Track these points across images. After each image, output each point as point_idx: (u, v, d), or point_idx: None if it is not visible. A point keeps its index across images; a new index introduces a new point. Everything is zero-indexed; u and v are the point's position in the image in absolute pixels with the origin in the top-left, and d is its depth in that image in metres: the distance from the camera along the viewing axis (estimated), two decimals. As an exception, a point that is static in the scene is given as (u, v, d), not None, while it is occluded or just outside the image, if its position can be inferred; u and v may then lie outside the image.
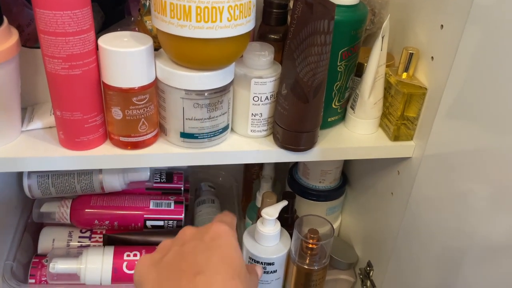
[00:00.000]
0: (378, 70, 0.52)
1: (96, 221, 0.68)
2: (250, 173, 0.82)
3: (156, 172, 0.75)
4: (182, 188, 0.75)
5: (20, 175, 0.66)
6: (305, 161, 0.70)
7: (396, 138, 0.54)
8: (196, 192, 0.83)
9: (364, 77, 0.52)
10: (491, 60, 0.41)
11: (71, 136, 0.47)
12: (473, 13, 0.43)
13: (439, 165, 0.51)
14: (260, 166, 0.79)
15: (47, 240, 0.68)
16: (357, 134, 0.55)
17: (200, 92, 0.46)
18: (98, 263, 0.61)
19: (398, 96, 0.52)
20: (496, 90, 0.41)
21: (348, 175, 0.75)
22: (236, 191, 0.84)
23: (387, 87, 0.54)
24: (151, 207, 0.69)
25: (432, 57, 0.50)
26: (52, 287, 0.62)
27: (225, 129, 0.50)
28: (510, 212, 0.41)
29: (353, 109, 0.54)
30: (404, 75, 0.53)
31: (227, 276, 0.31)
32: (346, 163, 0.74)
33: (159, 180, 0.74)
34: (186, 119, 0.47)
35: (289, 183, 0.74)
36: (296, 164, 0.75)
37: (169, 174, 0.75)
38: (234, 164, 0.84)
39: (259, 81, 0.48)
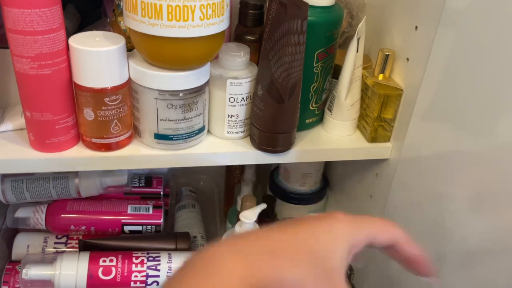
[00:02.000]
0: (354, 72, 0.52)
1: (72, 227, 0.66)
2: (232, 177, 0.81)
3: (135, 176, 0.74)
4: (162, 193, 0.73)
5: (-7, 179, 0.65)
6: (286, 164, 0.70)
7: (373, 139, 0.54)
8: (176, 197, 0.82)
9: (341, 79, 0.52)
10: (464, 62, 0.41)
11: (41, 137, 0.45)
12: (445, 15, 0.43)
13: (415, 167, 0.51)
14: (242, 170, 0.79)
15: (21, 246, 0.66)
16: (335, 136, 0.55)
17: (174, 93, 0.45)
18: (73, 269, 0.59)
19: (374, 97, 0.52)
20: (470, 91, 0.41)
21: (329, 178, 0.74)
22: (218, 195, 0.84)
23: (364, 88, 0.54)
24: (129, 211, 0.68)
25: (408, 59, 0.50)
26: (25, 294, 0.61)
27: (200, 130, 0.50)
28: (487, 215, 0.41)
29: (330, 111, 0.54)
30: (381, 76, 0.53)
31: None
32: (327, 166, 0.73)
33: (137, 185, 0.73)
34: (160, 120, 0.47)
35: (270, 186, 0.74)
36: (277, 167, 0.75)
37: (148, 178, 0.74)
38: (215, 168, 0.84)
39: (235, 82, 0.48)
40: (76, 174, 0.65)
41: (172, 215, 0.78)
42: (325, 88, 0.54)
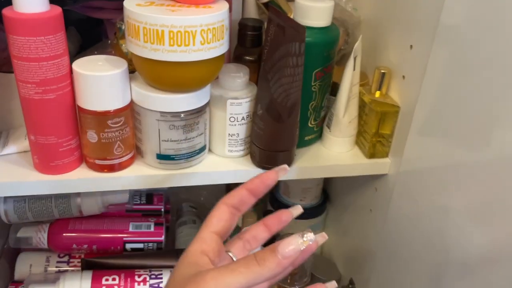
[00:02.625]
0: (352, 89, 0.53)
1: (74, 245, 0.67)
2: (232, 192, 0.82)
3: (136, 193, 0.74)
4: (163, 210, 0.74)
5: (-5, 200, 0.65)
6: (286, 180, 0.71)
7: (371, 155, 0.55)
8: (177, 213, 0.82)
9: (338, 97, 0.53)
10: (458, 78, 0.42)
11: (45, 160, 0.46)
12: (439, 33, 0.45)
13: (414, 181, 0.51)
14: (242, 185, 0.79)
15: (24, 266, 0.66)
16: (334, 152, 0.56)
17: (175, 114, 0.46)
18: (75, 289, 0.59)
19: (372, 114, 0.53)
20: (466, 107, 0.42)
21: (329, 192, 0.75)
22: (218, 211, 0.84)
23: (362, 105, 0.55)
24: (130, 229, 0.69)
25: (404, 76, 0.51)
26: (28, 314, 0.61)
27: (202, 150, 0.51)
28: (487, 227, 0.41)
29: (329, 128, 0.55)
30: (378, 93, 0.54)
31: None
32: (327, 181, 0.74)
33: (139, 202, 0.73)
34: (162, 140, 0.47)
35: (270, 201, 0.75)
36: (277, 182, 0.75)
37: (149, 195, 0.75)
38: (216, 184, 0.85)
39: (235, 102, 0.49)
40: (77, 193, 0.65)
41: (173, 231, 0.79)
42: (323, 106, 0.55)
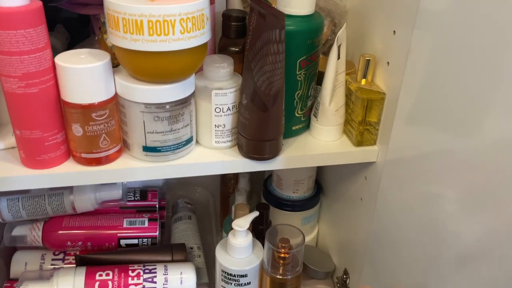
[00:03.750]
0: (337, 78, 0.53)
1: (68, 243, 0.67)
2: (227, 187, 0.82)
3: (129, 190, 0.75)
4: (157, 205, 0.74)
5: (-11, 199, 0.65)
6: (278, 172, 0.71)
7: (359, 143, 0.55)
8: (173, 209, 0.82)
9: (323, 85, 0.53)
10: (441, 63, 0.42)
11: (32, 154, 0.46)
12: (420, 18, 0.45)
13: (401, 169, 0.51)
14: (236, 180, 0.79)
15: (19, 264, 0.67)
16: (322, 141, 0.56)
17: (160, 105, 0.46)
18: (69, 285, 0.60)
19: (358, 102, 0.53)
20: (450, 92, 0.42)
21: (322, 184, 0.75)
22: (213, 206, 0.84)
23: (348, 94, 0.55)
24: (124, 225, 0.69)
25: (388, 63, 0.51)
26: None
27: (188, 141, 0.51)
28: (477, 215, 0.41)
29: (316, 117, 0.55)
30: (363, 81, 0.54)
31: None
32: (319, 172, 0.74)
33: (132, 198, 0.74)
34: (148, 132, 0.48)
35: (264, 194, 0.75)
36: (270, 175, 0.76)
37: (143, 191, 0.75)
38: (210, 180, 0.85)
39: (220, 92, 0.49)
40: (70, 190, 0.66)
41: (169, 227, 0.79)
42: (309, 95, 0.55)
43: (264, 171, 0.79)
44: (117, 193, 0.68)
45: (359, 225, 0.62)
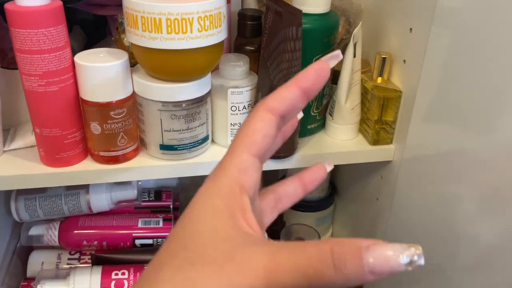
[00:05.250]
0: (353, 76, 0.53)
1: (84, 242, 0.67)
2: (240, 188, 0.82)
3: (144, 190, 0.75)
4: (171, 206, 0.74)
5: (7, 199, 0.66)
6: (292, 172, 0.70)
7: (375, 142, 0.54)
8: (186, 210, 0.82)
9: (339, 83, 0.53)
10: (459, 61, 0.42)
11: (51, 153, 0.47)
12: (437, 15, 0.44)
13: (418, 168, 0.51)
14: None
15: (36, 264, 0.67)
16: (337, 140, 0.56)
17: (177, 104, 0.47)
18: (86, 283, 0.60)
19: (374, 100, 0.53)
20: (467, 90, 0.41)
21: (337, 185, 0.75)
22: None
23: (364, 92, 0.55)
24: (139, 225, 0.69)
25: (404, 61, 0.51)
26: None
27: (204, 140, 0.51)
28: (496, 214, 0.40)
29: (331, 116, 0.55)
30: (379, 79, 0.54)
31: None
32: (334, 173, 0.74)
33: (147, 199, 0.74)
34: (165, 131, 0.48)
35: (277, 195, 0.74)
36: (284, 175, 0.76)
37: (158, 192, 0.75)
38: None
39: (236, 91, 0.49)
40: (87, 190, 0.66)
41: (183, 229, 0.79)
42: (325, 94, 0.55)
43: (278, 171, 0.79)
44: (132, 193, 0.69)
45: (375, 224, 0.62)
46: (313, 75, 0.24)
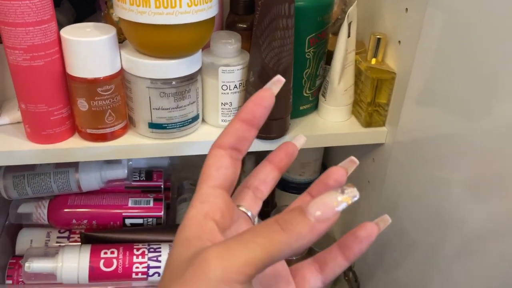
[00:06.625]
0: (347, 57, 0.52)
1: (74, 221, 0.67)
2: (232, 170, 0.82)
3: (135, 170, 0.74)
4: (162, 186, 0.74)
5: (-5, 176, 0.66)
6: (284, 154, 0.70)
7: (368, 124, 0.54)
8: (178, 191, 0.82)
9: (333, 63, 0.52)
10: (454, 43, 0.41)
11: (37, 129, 0.46)
12: (433, -5, 0.43)
13: (410, 151, 0.50)
14: (242, 162, 0.79)
15: (24, 241, 0.67)
16: (330, 122, 0.55)
17: (166, 81, 0.46)
18: (74, 262, 0.60)
19: (367, 82, 0.52)
20: (462, 73, 0.40)
21: (328, 167, 0.74)
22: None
23: (358, 73, 0.54)
24: (129, 205, 0.69)
25: (399, 41, 0.50)
26: (29, 287, 0.62)
27: (194, 119, 0.50)
28: (485, 200, 0.40)
29: (324, 97, 0.54)
30: (373, 60, 0.53)
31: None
32: (326, 155, 0.73)
33: (138, 178, 0.74)
34: (153, 109, 0.47)
35: (269, 177, 0.74)
36: (276, 158, 0.75)
37: (149, 172, 0.75)
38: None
39: (227, 69, 0.48)
40: (76, 168, 0.65)
41: (174, 209, 0.79)
42: (318, 74, 0.54)
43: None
44: (122, 172, 0.68)
45: (365, 208, 0.62)
46: (251, 106, 0.27)
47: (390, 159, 0.54)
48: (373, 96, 0.52)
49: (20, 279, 0.62)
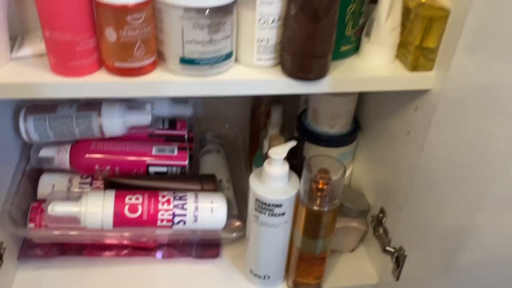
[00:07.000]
0: (396, -8, 0.47)
1: (96, 167, 0.65)
2: (257, 122, 0.79)
3: (158, 118, 0.72)
4: (186, 136, 0.71)
5: (15, 119, 0.63)
6: (315, 105, 0.67)
7: (414, 68, 0.50)
8: (200, 142, 0.80)
9: (381, -1, 0.47)
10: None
11: (62, 60, 0.43)
12: None
13: (459, 101, 0.47)
14: (267, 114, 0.76)
15: (46, 186, 0.65)
16: (372, 65, 0.51)
17: (200, 10, 0.42)
18: (99, 206, 0.58)
19: (417, 21, 0.48)
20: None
21: (361, 121, 0.71)
22: (242, 142, 0.81)
23: (406, 12, 0.49)
24: (153, 153, 0.66)
25: (457, -26, 0.45)
26: (52, 231, 0.61)
27: (228, 56, 0.47)
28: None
29: (368, 36, 0.50)
30: (425, -3, 0.48)
31: None
32: (359, 107, 0.70)
33: (161, 127, 0.71)
34: (186, 41, 0.43)
35: (297, 129, 0.71)
36: (305, 110, 0.72)
37: (172, 121, 0.72)
38: (239, 114, 0.81)
39: (266, 1, 0.44)
40: (98, 112, 0.63)
41: (197, 162, 0.76)
42: (362, 12, 0.50)
43: (298, 106, 0.75)
44: (146, 119, 0.65)
45: (403, 161, 0.58)
46: None
47: (437, 107, 0.50)
48: (422, 37, 0.48)
49: (43, 223, 0.61)
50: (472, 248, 0.49)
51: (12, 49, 0.47)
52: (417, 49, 0.49)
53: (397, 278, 0.60)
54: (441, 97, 0.49)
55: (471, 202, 0.48)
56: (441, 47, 0.48)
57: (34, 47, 0.47)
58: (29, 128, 0.62)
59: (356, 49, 0.52)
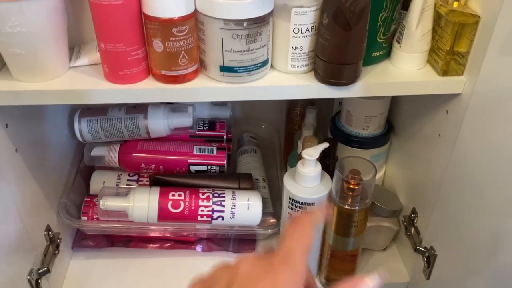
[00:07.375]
0: (427, 0, 0.49)
1: (143, 165, 0.70)
2: (292, 123, 0.81)
3: (199, 120, 0.76)
4: (224, 136, 0.75)
5: (70, 122, 0.70)
6: (349, 107, 0.69)
7: (445, 72, 0.51)
8: (238, 143, 0.83)
9: (411, 6, 0.49)
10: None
11: (115, 69, 0.48)
12: None
13: (490, 103, 0.48)
14: (302, 116, 0.78)
15: (98, 182, 0.71)
16: (403, 70, 0.53)
17: (238, 22, 0.45)
18: (145, 202, 0.63)
19: (448, 27, 0.49)
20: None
21: (394, 123, 0.72)
22: (278, 142, 0.84)
23: (437, 18, 0.51)
24: (194, 152, 0.71)
25: (487, -19, 0.46)
26: (102, 223, 0.66)
27: (264, 63, 0.50)
28: None
29: (399, 43, 0.52)
30: (455, 4, 0.49)
31: None
32: (392, 110, 0.71)
33: (202, 128, 0.75)
34: (225, 51, 0.47)
35: (331, 130, 0.73)
36: (338, 112, 0.74)
37: (212, 122, 0.76)
38: (275, 115, 0.85)
39: (300, 11, 0.47)
40: (145, 115, 0.68)
41: (235, 161, 0.80)
42: (394, 19, 0.51)
43: (332, 109, 0.78)
44: (188, 121, 0.70)
45: (434, 162, 0.59)
46: None
47: (468, 110, 0.51)
48: (453, 43, 0.49)
49: (95, 216, 0.67)
50: (505, 251, 0.50)
51: (70, 59, 0.52)
52: (447, 54, 0.50)
53: (428, 277, 0.61)
54: (471, 100, 0.50)
55: (504, 205, 0.48)
56: (471, 52, 0.49)
57: (90, 57, 0.52)
58: (82, 129, 0.68)
59: (387, 54, 0.54)
